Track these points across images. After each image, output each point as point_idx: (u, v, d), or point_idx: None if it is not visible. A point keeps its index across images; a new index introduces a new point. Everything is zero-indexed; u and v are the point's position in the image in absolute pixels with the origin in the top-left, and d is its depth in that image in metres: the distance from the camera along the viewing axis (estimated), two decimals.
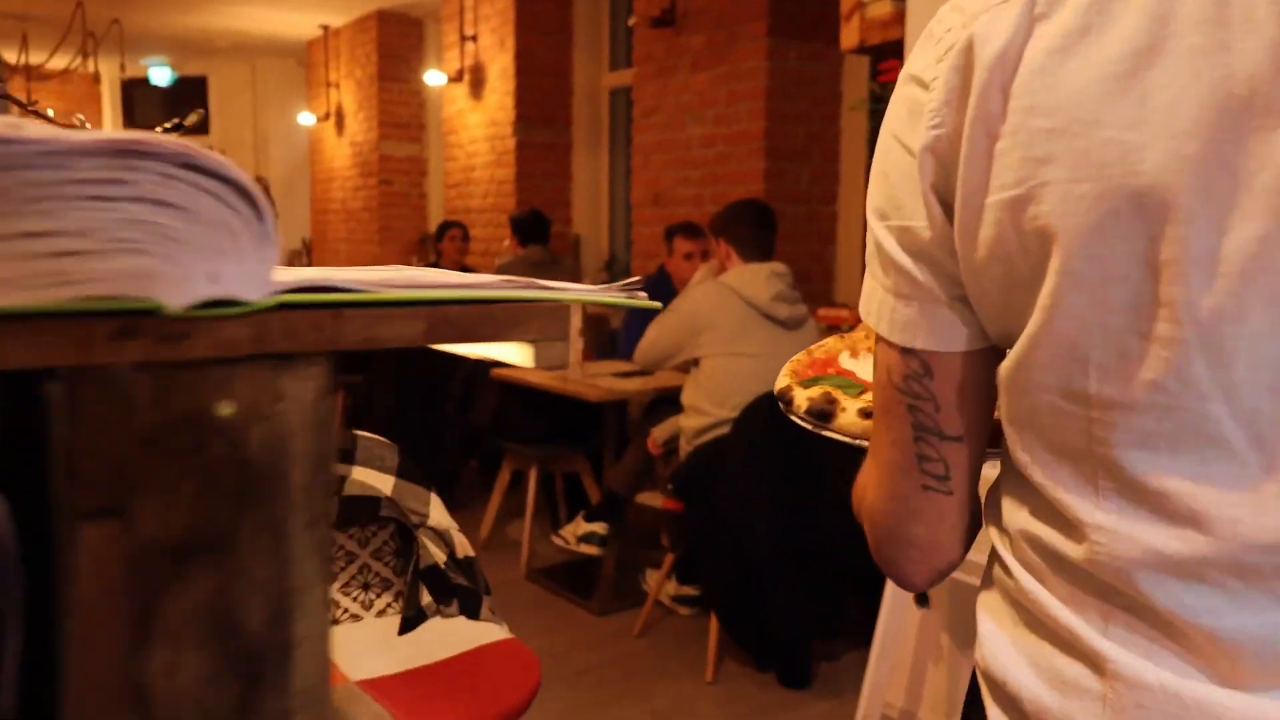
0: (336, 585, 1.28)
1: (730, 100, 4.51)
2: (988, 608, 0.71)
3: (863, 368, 0.93)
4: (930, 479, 0.68)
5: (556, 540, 3.55)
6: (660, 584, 3.24)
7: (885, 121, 0.67)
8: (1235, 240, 0.53)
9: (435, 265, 5.98)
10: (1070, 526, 0.62)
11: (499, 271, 4.74)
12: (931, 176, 0.63)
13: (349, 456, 1.29)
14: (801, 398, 0.87)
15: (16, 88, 11.35)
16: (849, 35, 2.95)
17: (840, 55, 4.40)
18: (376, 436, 1.36)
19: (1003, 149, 0.59)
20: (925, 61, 0.63)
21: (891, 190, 0.66)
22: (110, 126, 11.55)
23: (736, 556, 2.73)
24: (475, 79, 6.61)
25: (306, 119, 9.29)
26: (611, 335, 4.90)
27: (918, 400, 0.67)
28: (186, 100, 11.29)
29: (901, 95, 0.66)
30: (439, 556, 1.28)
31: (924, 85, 0.63)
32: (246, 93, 11.00)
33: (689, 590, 3.31)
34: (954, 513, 0.70)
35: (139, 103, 11.46)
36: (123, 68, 8.57)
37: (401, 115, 8.17)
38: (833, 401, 0.85)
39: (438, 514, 1.32)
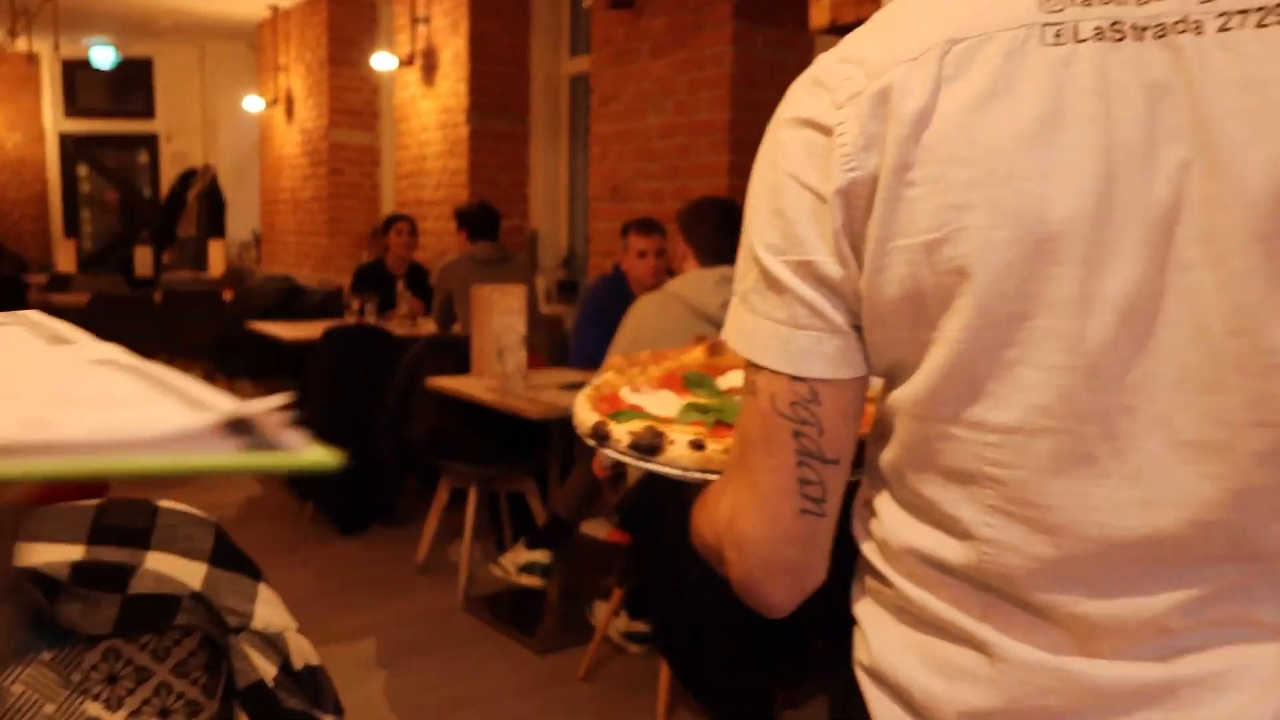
0: (123, 713, 0.95)
1: (693, 88, 4.19)
2: (866, 615, 0.77)
3: (649, 402, 0.93)
4: (809, 502, 0.71)
5: (495, 570, 3.22)
6: (608, 619, 2.93)
7: (770, 160, 0.70)
8: (1114, 282, 0.62)
9: (382, 260, 5.63)
10: (960, 538, 0.69)
11: (443, 270, 4.41)
12: (842, 217, 0.66)
13: (143, 537, 0.96)
14: (621, 432, 0.85)
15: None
16: (819, 13, 2.65)
17: (811, 40, 4.10)
18: (186, 509, 1.03)
19: (919, 195, 0.63)
20: (820, 107, 0.67)
21: (789, 227, 0.68)
22: (51, 112, 11.08)
23: (687, 596, 2.42)
24: (427, 64, 6.26)
25: (254, 104, 8.87)
26: (564, 338, 4.58)
27: (804, 425, 0.69)
28: (131, 83, 10.82)
29: (793, 137, 0.69)
30: (266, 671, 0.95)
31: (824, 130, 0.66)
32: (194, 77, 10.55)
33: (640, 626, 2.99)
34: (825, 535, 0.73)
35: (81, 86, 10.97)
36: (57, 46, 8.12)
37: (353, 102, 7.79)
38: (659, 435, 0.83)
39: (267, 611, 0.99)
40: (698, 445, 0.83)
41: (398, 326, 4.70)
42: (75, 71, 10.74)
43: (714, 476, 0.82)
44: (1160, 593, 0.66)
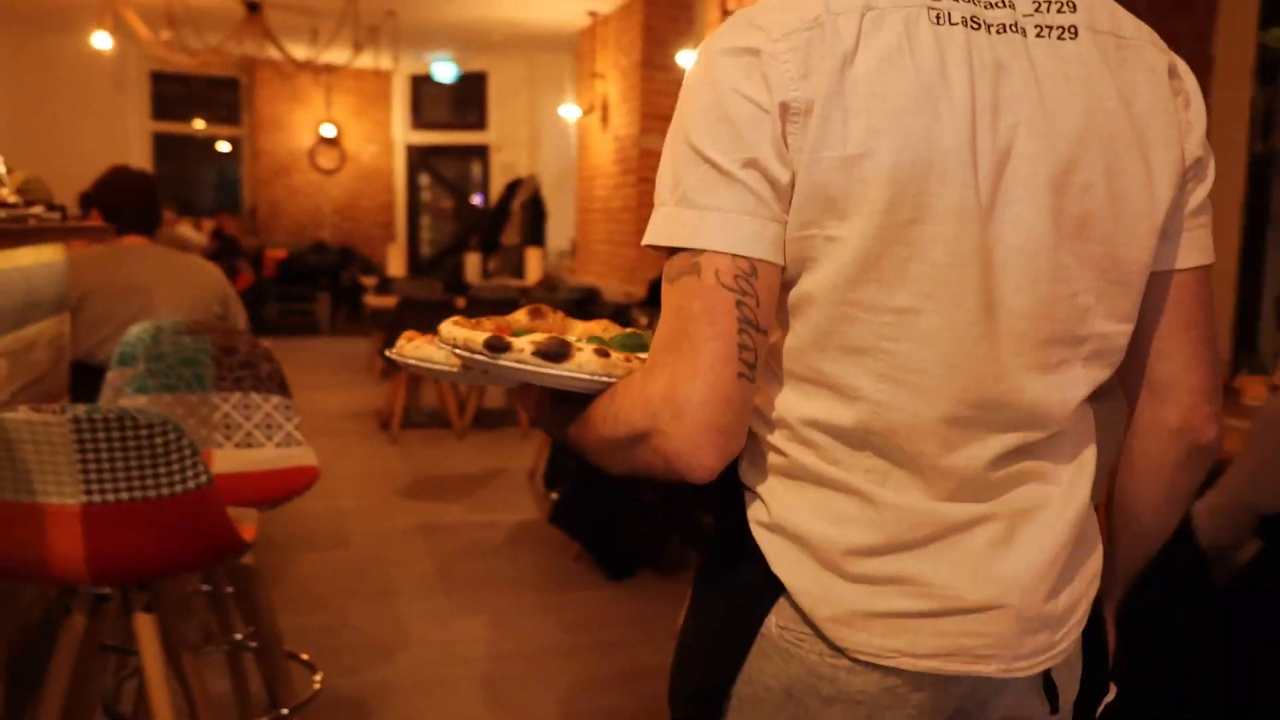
0: None
1: None
2: (762, 483, 0.91)
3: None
4: (745, 367, 0.82)
5: None
6: None
7: (709, 80, 0.85)
8: (981, 193, 0.83)
9: None
10: (850, 401, 0.86)
11: None
12: (780, 126, 0.82)
13: None
14: (523, 342, 0.89)
15: (309, 85, 11.86)
16: None
17: None
18: None
19: (847, 118, 0.81)
20: (757, 40, 0.83)
21: (738, 131, 0.82)
22: (399, 124, 11.84)
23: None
24: None
25: (571, 112, 8.86)
26: None
27: (744, 296, 0.82)
28: (468, 97, 11.29)
29: (733, 61, 0.84)
30: None
31: (759, 55, 0.82)
32: (523, 88, 10.82)
33: None
34: (751, 401, 0.85)
35: (425, 100, 11.61)
36: (395, 59, 8.53)
37: (666, 106, 7.50)
38: (565, 344, 0.89)
39: None
40: (603, 353, 0.90)
41: None
42: (420, 86, 11.39)
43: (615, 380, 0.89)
44: (985, 449, 0.88)
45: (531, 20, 8.70)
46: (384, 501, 4.85)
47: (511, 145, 10.90)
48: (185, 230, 10.30)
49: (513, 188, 10.56)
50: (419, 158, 11.60)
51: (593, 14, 8.21)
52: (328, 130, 11.48)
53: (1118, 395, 0.99)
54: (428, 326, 1.08)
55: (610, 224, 8.18)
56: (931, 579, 0.87)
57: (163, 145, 11.78)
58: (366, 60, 9.39)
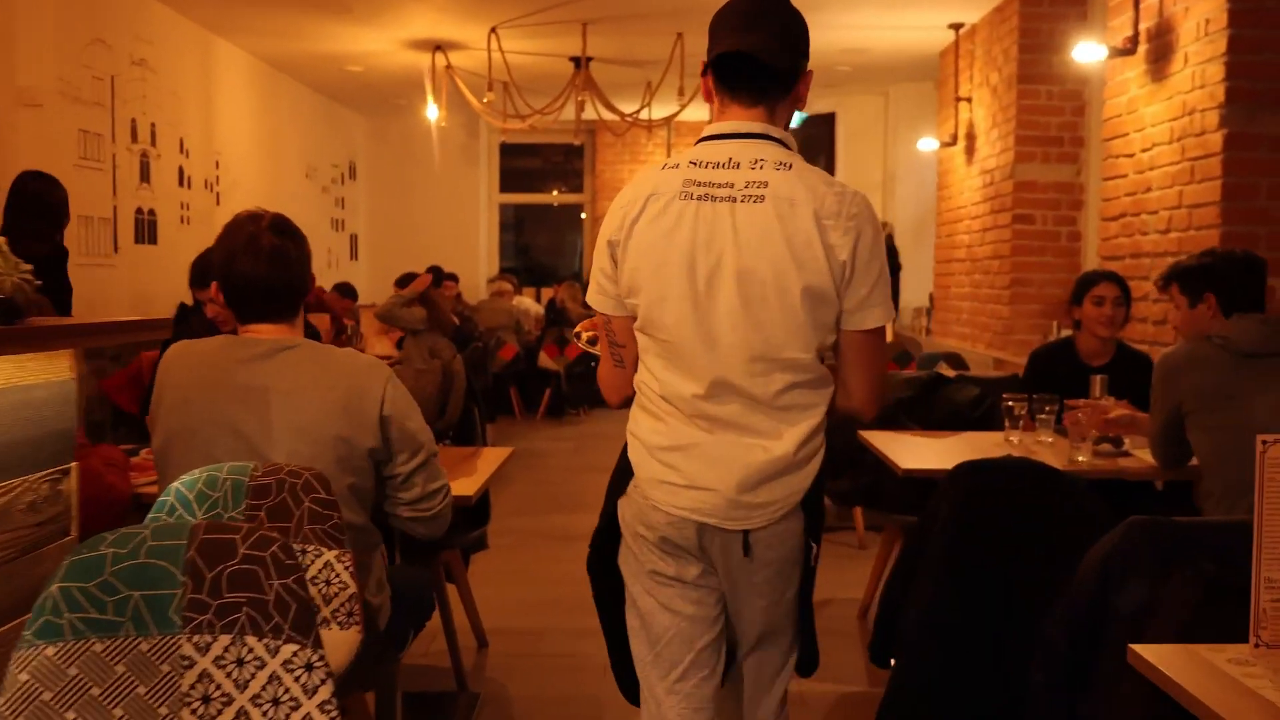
0: None
1: None
2: (633, 412, 1.77)
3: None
4: (615, 361, 1.79)
5: None
6: None
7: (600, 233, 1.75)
8: (698, 285, 1.64)
9: (1070, 340, 3.72)
10: (657, 379, 1.69)
11: (1170, 362, 2.42)
12: (611, 251, 1.70)
13: None
14: (585, 336, 2.02)
15: (645, 143, 11.32)
16: None
17: None
18: None
19: (629, 252, 1.67)
20: (616, 202, 1.72)
21: (601, 252, 1.72)
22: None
23: None
24: (1157, 47, 4.19)
25: (928, 145, 7.46)
26: None
27: (609, 330, 1.78)
28: (814, 141, 10.19)
29: (607, 218, 1.73)
30: None
31: (612, 210, 1.72)
32: (877, 125, 9.52)
33: None
34: (627, 376, 1.79)
35: None
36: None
37: (1047, 126, 5.93)
38: (594, 341, 1.94)
39: None
40: (592, 340, 1.97)
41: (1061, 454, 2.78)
42: None
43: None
44: (718, 408, 1.66)
45: (884, 44, 7.44)
46: None
47: (863, 189, 9.62)
48: (527, 302, 10.07)
49: None
50: None
51: (955, 26, 6.81)
52: None
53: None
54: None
55: (976, 274, 6.66)
56: (684, 468, 1.68)
57: (513, 215, 11.82)
58: (702, 111, 8.62)
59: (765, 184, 1.59)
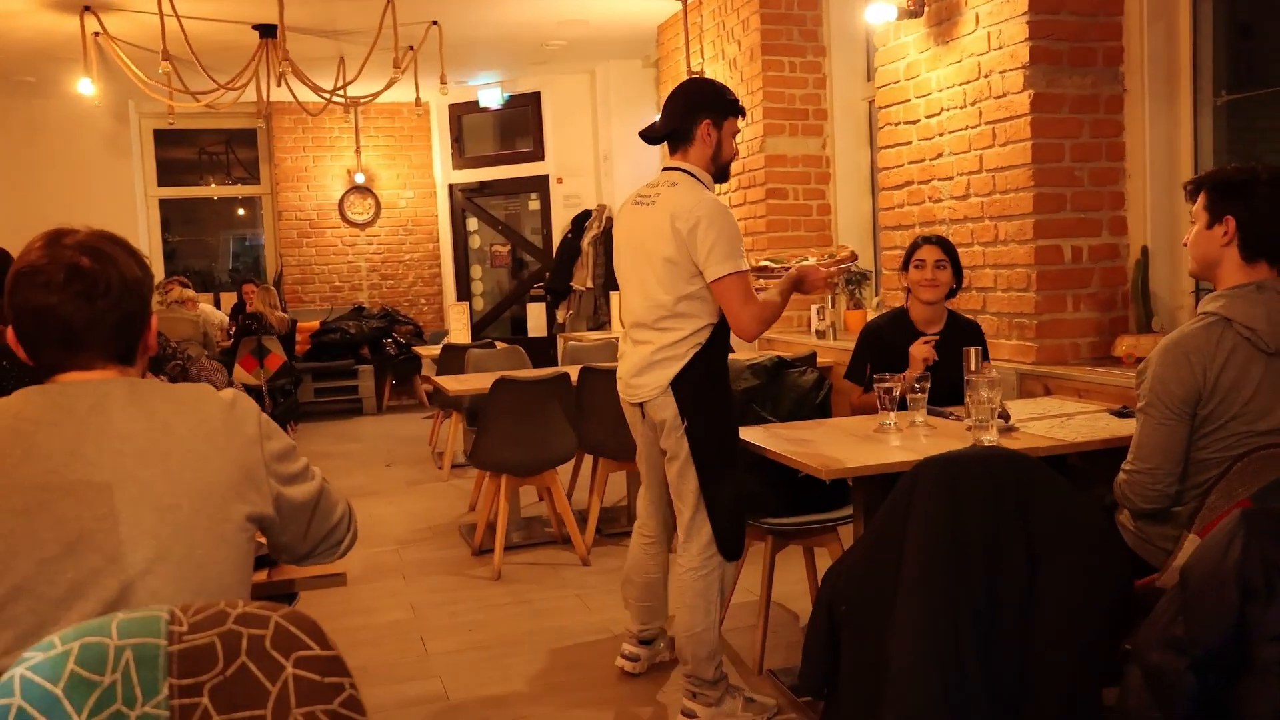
0: None
1: None
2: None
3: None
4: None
5: None
6: None
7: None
8: (635, 254, 2.88)
9: (904, 311, 3.57)
10: (624, 315, 3.07)
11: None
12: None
13: None
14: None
15: (334, 130, 10.29)
16: None
17: None
18: None
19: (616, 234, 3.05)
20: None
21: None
22: (440, 163, 10.28)
23: None
24: (942, 8, 4.14)
25: None
26: None
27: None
28: (518, 124, 9.71)
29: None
30: None
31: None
32: (584, 104, 9.20)
33: None
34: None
35: (467, 132, 10.03)
36: (443, 79, 6.93)
37: (793, 100, 5.86)
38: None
39: None
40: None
41: (952, 435, 2.54)
42: (462, 117, 9.83)
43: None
44: (636, 334, 2.90)
45: (605, 14, 7.10)
46: (508, 689, 3.17)
47: (576, 175, 9.28)
48: (209, 309, 8.76)
49: (581, 223, 8.94)
50: (465, 199, 10.02)
51: None
52: (358, 178, 9.94)
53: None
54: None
55: None
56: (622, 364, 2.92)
57: (169, 212, 10.28)
58: (398, 93, 7.83)
59: (657, 196, 2.81)
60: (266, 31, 6.71)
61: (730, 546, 2.83)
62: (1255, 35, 3.99)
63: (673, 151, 2.84)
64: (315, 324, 9.48)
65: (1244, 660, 1.50)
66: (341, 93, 7.06)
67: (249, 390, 7.93)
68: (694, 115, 2.77)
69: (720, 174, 2.88)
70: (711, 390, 2.79)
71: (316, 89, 6.75)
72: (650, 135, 2.92)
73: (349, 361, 9.38)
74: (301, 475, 1.48)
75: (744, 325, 2.71)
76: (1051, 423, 2.99)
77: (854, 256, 3.16)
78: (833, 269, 3.00)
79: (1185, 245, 2.43)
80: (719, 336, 2.79)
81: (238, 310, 8.84)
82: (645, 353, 2.80)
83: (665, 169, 2.83)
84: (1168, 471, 2.26)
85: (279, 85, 6.38)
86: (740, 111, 2.90)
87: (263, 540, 1.49)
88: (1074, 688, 2.09)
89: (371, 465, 7.00)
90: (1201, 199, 2.28)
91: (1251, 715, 1.47)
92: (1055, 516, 2.18)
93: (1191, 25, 3.63)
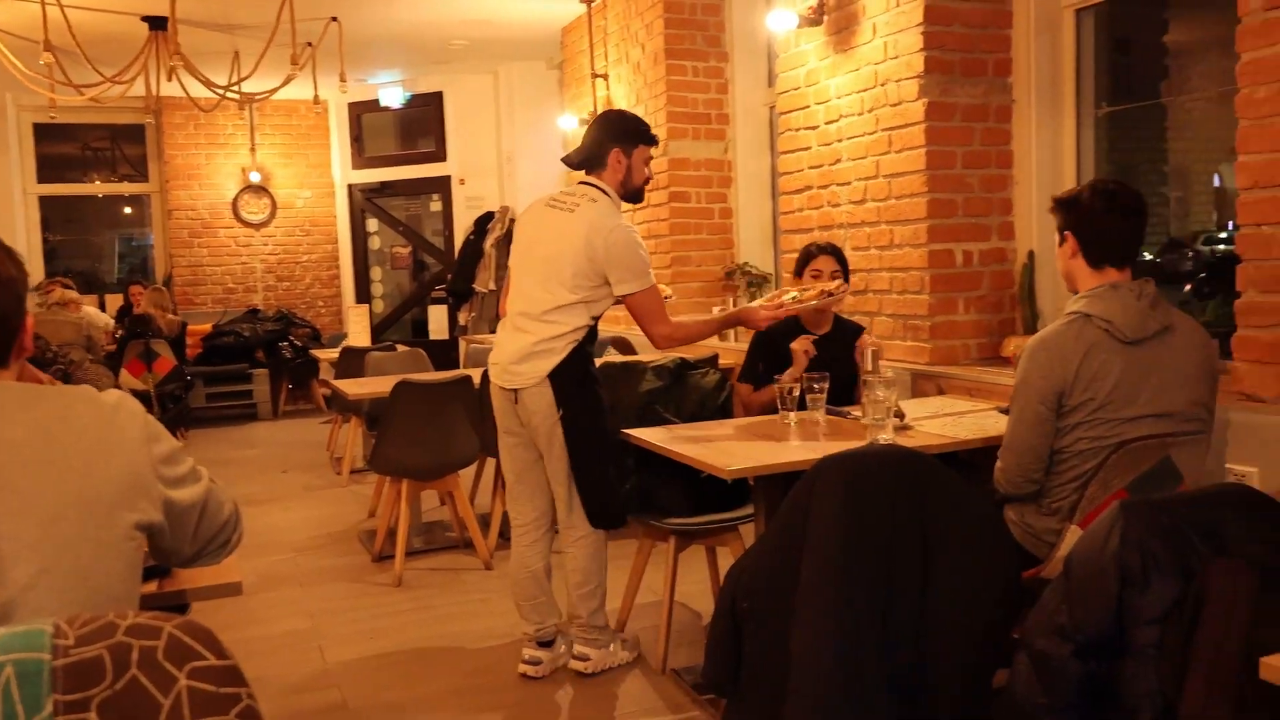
0: None
1: None
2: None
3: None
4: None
5: None
6: None
7: None
8: (532, 253, 3.13)
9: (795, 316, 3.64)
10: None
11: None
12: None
13: None
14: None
15: (227, 126, 10.00)
16: None
17: None
18: None
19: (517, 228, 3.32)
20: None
21: None
22: (339, 163, 10.07)
23: None
24: (841, 17, 4.23)
25: (568, 123, 7.23)
26: None
27: None
28: (419, 124, 9.59)
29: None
30: None
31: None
32: (488, 105, 9.14)
33: None
34: None
35: (369, 131, 9.86)
36: (343, 77, 6.80)
37: (696, 104, 5.92)
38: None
39: None
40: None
41: (846, 433, 2.60)
42: (362, 116, 9.66)
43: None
44: (512, 321, 3.19)
45: (508, 15, 7.06)
46: (409, 696, 3.12)
47: (478, 176, 9.20)
48: (92, 311, 8.40)
49: (483, 224, 8.87)
50: (365, 199, 9.84)
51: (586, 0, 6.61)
52: (253, 176, 9.68)
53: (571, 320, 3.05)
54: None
55: None
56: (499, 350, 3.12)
57: (49, 210, 9.84)
58: (296, 90, 7.65)
59: (576, 205, 3.06)
60: (156, 23, 6.50)
61: (603, 523, 3.10)
62: (1134, 50, 4.19)
63: (589, 173, 3.11)
64: (207, 327, 9.19)
65: (1123, 644, 1.58)
66: (236, 89, 6.87)
67: (137, 396, 7.65)
68: (606, 144, 3.07)
69: (632, 196, 3.16)
70: (583, 383, 3.02)
71: (209, 84, 6.56)
72: (570, 161, 3.20)
73: (243, 365, 9.11)
74: (189, 477, 1.44)
75: (656, 335, 3.13)
76: (944, 421, 3.08)
77: (831, 293, 3.34)
78: (797, 307, 3.30)
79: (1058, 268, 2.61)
80: (591, 336, 3.08)
81: (124, 313, 8.52)
82: (527, 342, 2.99)
83: (583, 183, 3.09)
84: (1034, 460, 2.38)
85: (169, 79, 6.17)
86: (651, 140, 3.17)
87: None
88: (967, 675, 2.16)
89: (267, 472, 6.82)
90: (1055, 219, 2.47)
91: (1129, 695, 1.54)
92: (948, 512, 2.25)
93: (1075, 40, 3.79)
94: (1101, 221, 2.35)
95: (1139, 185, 4.76)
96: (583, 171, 3.16)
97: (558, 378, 2.98)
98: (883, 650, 2.19)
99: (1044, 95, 3.85)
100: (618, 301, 3.10)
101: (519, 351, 3.00)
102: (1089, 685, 1.62)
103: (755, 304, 3.29)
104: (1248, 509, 1.68)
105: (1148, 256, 4.98)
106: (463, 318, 9.05)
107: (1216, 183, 4.07)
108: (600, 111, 3.32)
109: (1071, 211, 2.40)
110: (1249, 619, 1.42)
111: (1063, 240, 2.43)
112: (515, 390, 3.02)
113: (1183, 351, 2.32)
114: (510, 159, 8.89)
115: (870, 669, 2.18)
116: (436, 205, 9.61)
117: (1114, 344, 2.30)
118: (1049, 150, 3.86)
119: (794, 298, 3.28)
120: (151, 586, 1.73)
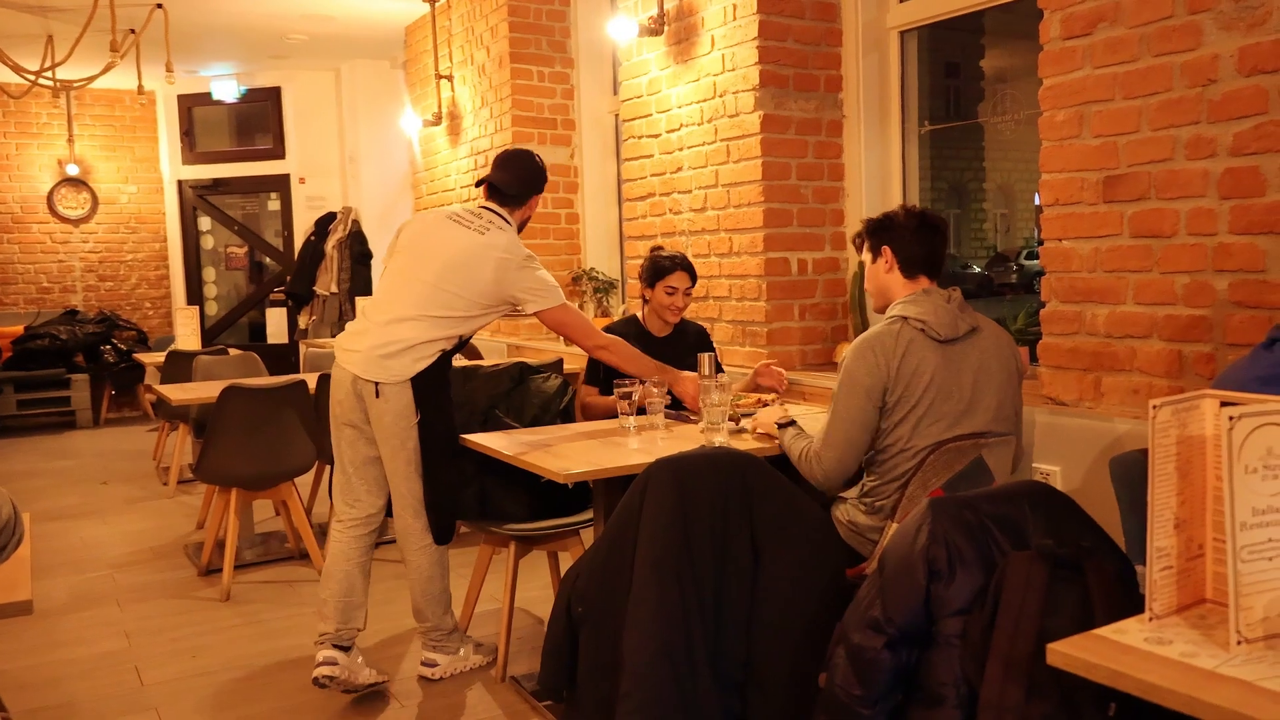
0: None
1: None
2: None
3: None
4: None
5: None
6: None
7: None
8: (423, 262, 3.12)
9: (636, 319, 3.70)
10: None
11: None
12: None
13: None
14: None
15: (42, 115, 9.40)
16: None
17: None
18: None
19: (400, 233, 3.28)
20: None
21: None
22: (168, 157, 9.59)
23: None
24: (682, 28, 4.30)
25: (411, 124, 7.09)
26: None
27: None
28: (256, 120, 9.23)
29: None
30: None
31: None
32: (329, 103, 8.89)
33: None
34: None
35: (201, 126, 9.43)
36: (169, 67, 6.48)
37: (541, 109, 5.91)
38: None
39: None
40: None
41: (683, 437, 2.67)
42: (193, 109, 9.23)
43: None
44: (386, 315, 3.12)
45: (350, 11, 6.87)
46: (233, 715, 2.99)
47: (320, 176, 8.92)
48: None
49: (325, 225, 8.60)
50: (196, 197, 9.40)
51: (430, 1, 6.50)
52: (71, 169, 9.11)
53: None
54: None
55: None
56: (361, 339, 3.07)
57: None
58: (118, 79, 7.25)
59: (481, 218, 3.13)
60: None
61: (441, 535, 3.13)
62: (961, 74, 4.42)
63: (500, 203, 3.19)
64: (19, 329, 8.59)
65: (930, 635, 1.65)
66: (50, 75, 6.45)
67: None
68: (533, 189, 3.26)
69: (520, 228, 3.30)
70: (441, 391, 3.09)
71: (19, 69, 6.14)
72: (499, 188, 3.19)
73: (60, 370, 8.55)
74: None
75: (592, 348, 3.28)
76: None
77: (767, 404, 3.27)
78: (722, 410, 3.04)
79: (866, 288, 2.79)
80: (454, 350, 3.13)
81: None
82: (401, 340, 2.99)
83: (487, 209, 3.17)
84: (854, 456, 2.52)
85: None
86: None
87: None
88: (793, 671, 2.23)
89: (84, 483, 6.41)
90: (865, 244, 2.69)
91: (934, 683, 1.62)
92: (776, 512, 2.31)
93: (900, 60, 3.97)
94: (914, 236, 2.58)
95: (966, 201, 5.07)
96: (481, 194, 3.24)
97: (420, 381, 3.01)
98: (713, 649, 2.23)
99: (872, 112, 4.01)
100: (506, 316, 3.30)
101: (389, 345, 2.98)
102: (901, 676, 1.69)
103: (688, 379, 3.28)
104: (1045, 505, 1.79)
105: (976, 269, 5.28)
106: (302, 321, 8.75)
107: (1037, 201, 4.34)
108: (526, 151, 3.36)
109: (888, 230, 2.62)
110: (1040, 608, 1.52)
111: (878, 256, 2.64)
112: (375, 383, 2.98)
113: (990, 352, 2.50)
114: (353, 158, 8.66)
115: (700, 667, 2.22)
116: (275, 204, 9.27)
117: (929, 342, 2.47)
118: (877, 165, 4.03)
119: (723, 402, 2.94)
120: None
